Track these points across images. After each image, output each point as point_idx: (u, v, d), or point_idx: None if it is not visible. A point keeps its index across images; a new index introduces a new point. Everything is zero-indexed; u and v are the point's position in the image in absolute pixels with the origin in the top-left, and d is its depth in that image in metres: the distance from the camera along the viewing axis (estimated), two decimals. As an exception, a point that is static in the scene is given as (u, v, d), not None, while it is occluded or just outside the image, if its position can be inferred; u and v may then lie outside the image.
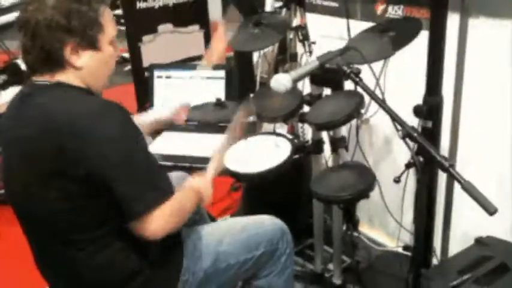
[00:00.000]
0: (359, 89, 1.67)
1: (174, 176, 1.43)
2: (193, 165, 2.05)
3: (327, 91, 2.00)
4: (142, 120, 1.82)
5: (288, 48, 2.37)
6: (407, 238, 2.42)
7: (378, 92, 1.65)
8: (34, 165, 1.35)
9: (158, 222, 1.36)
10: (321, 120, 1.79)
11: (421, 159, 1.26)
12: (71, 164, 1.30)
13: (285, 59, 2.55)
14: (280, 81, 1.38)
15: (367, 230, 2.60)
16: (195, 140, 2.22)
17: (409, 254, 2.38)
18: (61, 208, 1.35)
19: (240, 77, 2.25)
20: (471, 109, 2.05)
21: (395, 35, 1.63)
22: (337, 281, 2.24)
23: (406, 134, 1.26)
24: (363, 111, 1.74)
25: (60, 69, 1.37)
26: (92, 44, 1.38)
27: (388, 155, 2.42)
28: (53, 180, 1.33)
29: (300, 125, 2.42)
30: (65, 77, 1.38)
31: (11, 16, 4.88)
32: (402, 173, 1.27)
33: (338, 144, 1.96)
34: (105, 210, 1.37)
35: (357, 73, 1.37)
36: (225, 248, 1.62)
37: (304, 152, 2.03)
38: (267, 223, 1.72)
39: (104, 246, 1.42)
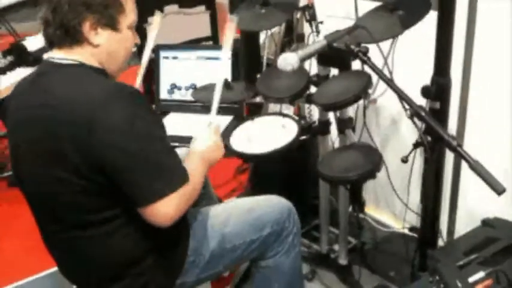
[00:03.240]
0: (366, 69, 1.67)
1: (179, 153, 1.42)
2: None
3: (334, 71, 1.99)
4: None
5: (295, 29, 2.35)
6: (414, 219, 2.42)
7: (385, 72, 1.63)
8: (43, 148, 1.34)
9: (169, 209, 1.34)
10: (328, 100, 1.78)
11: (429, 138, 1.25)
12: (82, 149, 1.29)
13: (291, 39, 2.53)
14: (288, 61, 1.36)
15: (373, 211, 2.59)
16: (201, 121, 2.21)
17: (415, 235, 2.39)
18: (69, 191, 1.35)
19: (247, 58, 2.24)
20: (479, 90, 2.03)
21: (404, 14, 1.61)
22: (343, 261, 2.24)
23: (414, 113, 1.25)
24: (370, 91, 1.73)
25: (78, 45, 1.36)
26: (111, 23, 1.38)
27: (395, 135, 2.41)
28: (62, 163, 1.32)
29: (306, 105, 2.41)
30: (82, 53, 1.37)
31: (17, -2, 4.86)
32: (410, 153, 1.26)
33: (345, 125, 1.95)
34: (114, 195, 1.36)
35: (365, 52, 1.35)
36: (231, 229, 1.62)
37: (311, 133, 2.03)
38: (273, 203, 1.72)
39: (112, 228, 1.42)
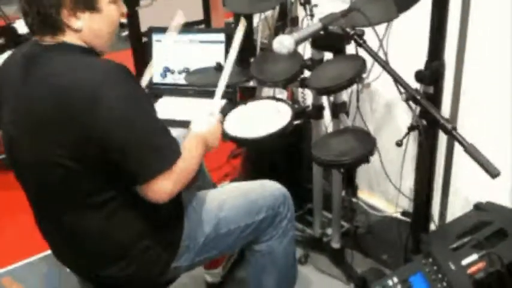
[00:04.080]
0: (361, 53, 1.66)
1: (175, 134, 1.41)
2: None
3: (328, 55, 1.98)
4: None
5: (289, 12, 2.33)
6: (406, 204, 2.44)
7: (381, 55, 1.62)
8: (40, 132, 1.33)
9: (166, 185, 1.36)
10: (322, 84, 1.77)
11: (424, 122, 1.25)
12: (81, 131, 1.28)
13: (285, 23, 2.52)
14: (283, 43, 1.35)
15: (366, 195, 2.60)
16: (194, 105, 2.20)
17: (407, 219, 2.40)
18: (66, 174, 1.35)
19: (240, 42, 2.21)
20: (473, 75, 2.03)
21: (399, -3, 1.60)
22: (335, 245, 2.26)
23: (410, 96, 1.24)
24: (364, 75, 1.72)
25: (60, 32, 1.34)
26: (89, 5, 1.35)
27: (389, 120, 2.41)
28: (60, 147, 1.32)
29: (300, 90, 2.40)
30: (67, 38, 1.35)
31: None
32: (404, 136, 1.26)
33: (339, 109, 1.95)
34: (110, 175, 1.36)
35: (361, 35, 1.35)
36: (226, 214, 1.63)
37: (305, 117, 2.02)
38: (268, 188, 1.72)
39: (107, 211, 1.42)
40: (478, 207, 1.92)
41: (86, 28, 1.36)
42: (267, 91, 2.48)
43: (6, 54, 2.72)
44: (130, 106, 1.31)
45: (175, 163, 1.36)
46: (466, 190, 2.20)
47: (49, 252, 2.35)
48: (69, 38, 1.36)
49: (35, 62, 1.36)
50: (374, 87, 2.25)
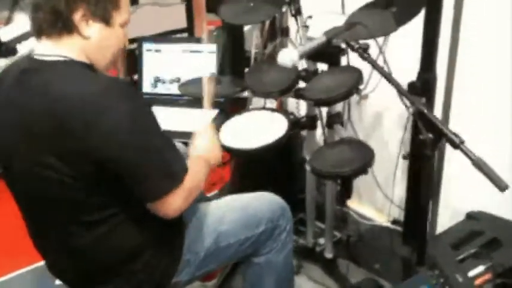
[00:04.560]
0: (356, 65, 1.68)
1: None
2: (185, 140, 2.02)
3: (321, 66, 1.98)
4: None
5: (279, 23, 2.33)
6: (396, 213, 2.46)
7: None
8: (37, 151, 1.29)
9: (177, 201, 1.35)
10: (319, 96, 1.78)
11: (430, 135, 1.26)
12: (83, 149, 1.24)
13: (274, 33, 2.52)
14: (288, 56, 1.35)
15: (355, 205, 2.61)
16: (185, 115, 2.18)
17: (397, 228, 2.42)
18: (67, 192, 1.31)
19: (231, 52, 2.21)
20: (464, 86, 2.06)
21: (398, 11, 1.62)
22: (328, 255, 2.26)
23: (417, 110, 1.25)
24: (362, 87, 1.73)
25: (68, 34, 1.30)
26: (104, 16, 1.33)
27: (378, 130, 2.43)
28: (60, 166, 1.28)
29: (295, 100, 2.40)
30: (71, 44, 1.31)
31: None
32: (410, 150, 1.26)
33: (334, 119, 1.96)
34: (114, 193, 1.34)
35: (365, 49, 1.35)
36: (226, 227, 1.61)
37: (299, 127, 2.02)
38: (267, 201, 1.71)
39: (108, 227, 1.39)
40: (470, 216, 1.95)
41: (94, 39, 1.33)
42: (257, 101, 2.48)
43: (-9, 62, 2.66)
44: (136, 123, 1.27)
45: (184, 179, 1.35)
46: (456, 199, 2.23)
47: (39, 264, 2.32)
48: (74, 45, 1.32)
49: (30, 72, 1.32)
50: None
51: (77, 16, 1.29)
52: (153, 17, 3.47)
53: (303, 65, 1.97)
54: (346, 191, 1.80)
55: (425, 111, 1.25)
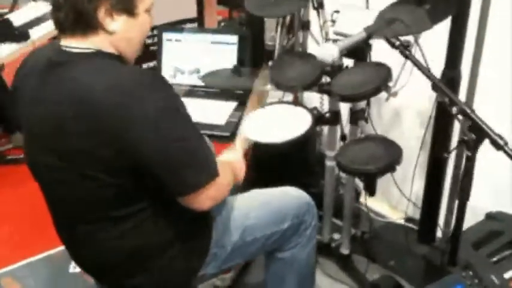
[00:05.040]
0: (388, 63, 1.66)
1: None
2: (207, 132, 1.99)
3: (347, 62, 1.97)
4: None
5: (300, 16, 2.31)
6: (409, 210, 2.45)
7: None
8: (65, 145, 1.26)
9: (210, 195, 1.32)
10: (347, 92, 1.76)
11: (473, 136, 1.25)
12: (114, 144, 1.21)
13: (292, 27, 2.49)
14: (329, 52, 1.33)
15: (368, 201, 2.60)
16: (206, 107, 2.15)
17: (412, 226, 2.42)
18: (95, 187, 1.29)
19: (252, 44, 2.18)
20: (487, 84, 2.05)
21: (431, 8, 1.60)
22: (345, 251, 2.25)
23: (460, 110, 1.24)
24: (391, 84, 1.72)
25: (93, 32, 1.26)
26: (128, 8, 1.28)
27: (397, 128, 2.42)
28: (89, 160, 1.25)
29: (316, 95, 2.38)
30: (98, 40, 1.27)
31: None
32: (453, 149, 1.25)
33: (358, 116, 1.94)
34: (143, 188, 1.31)
35: (407, 46, 1.33)
36: (252, 222, 1.60)
37: (322, 122, 2.01)
38: (293, 196, 1.70)
39: (137, 222, 1.36)
40: (489, 216, 1.94)
41: (120, 32, 1.28)
42: (273, 94, 2.46)
43: (1, 47, 2.61)
44: (168, 116, 1.24)
45: (217, 172, 1.32)
46: (474, 199, 2.22)
47: (51, 252, 2.30)
48: (100, 40, 1.28)
49: (59, 65, 1.28)
50: (382, 94, 2.26)
51: (101, 13, 1.24)
52: (163, 7, 3.43)
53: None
54: (369, 189, 1.78)
55: (469, 111, 1.24)
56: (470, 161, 1.25)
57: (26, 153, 1.43)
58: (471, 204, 2.25)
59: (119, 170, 1.25)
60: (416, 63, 1.31)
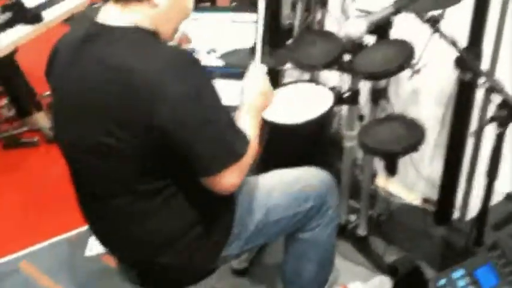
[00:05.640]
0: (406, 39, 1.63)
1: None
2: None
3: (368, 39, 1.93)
4: None
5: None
6: (425, 190, 2.43)
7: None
8: (98, 116, 1.26)
9: (234, 177, 1.31)
10: (370, 70, 1.73)
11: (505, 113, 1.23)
12: (141, 120, 1.21)
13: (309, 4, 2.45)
14: (356, 28, 1.30)
15: (383, 182, 2.59)
16: (223, 87, 2.12)
17: (427, 207, 2.40)
18: (120, 159, 1.28)
19: (269, 23, 2.14)
20: (509, 61, 2.02)
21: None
22: (362, 232, 2.24)
23: (491, 87, 1.21)
24: (414, 61, 1.69)
25: (136, 1, 1.26)
26: None
27: (415, 106, 2.39)
28: (118, 134, 1.24)
29: (337, 74, 2.34)
30: (139, 11, 1.27)
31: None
32: (483, 127, 1.23)
33: (379, 95, 1.91)
34: (168, 165, 1.30)
35: (436, 20, 1.30)
36: (275, 201, 1.58)
37: (342, 102, 1.98)
38: (315, 176, 1.68)
39: (160, 199, 1.36)
40: (510, 197, 1.93)
41: (162, 7, 1.28)
42: (290, 73, 2.43)
43: (15, 29, 2.59)
44: (199, 97, 1.24)
45: (244, 155, 1.31)
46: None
47: (67, 235, 2.30)
48: (142, 13, 1.27)
49: (95, 39, 1.28)
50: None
51: None
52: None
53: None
54: (390, 169, 1.76)
55: (502, 88, 1.21)
56: (501, 137, 1.22)
57: (54, 128, 1.45)
58: (481, 184, 2.23)
59: (147, 145, 1.24)
60: (447, 39, 1.28)
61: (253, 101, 1.48)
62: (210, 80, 1.29)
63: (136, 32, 1.27)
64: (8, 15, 2.54)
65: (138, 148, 1.25)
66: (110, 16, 1.27)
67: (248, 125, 1.41)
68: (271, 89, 1.57)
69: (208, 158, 1.27)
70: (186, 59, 1.27)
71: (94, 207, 1.45)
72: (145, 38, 1.28)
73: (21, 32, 2.58)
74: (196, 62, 1.28)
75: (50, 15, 2.74)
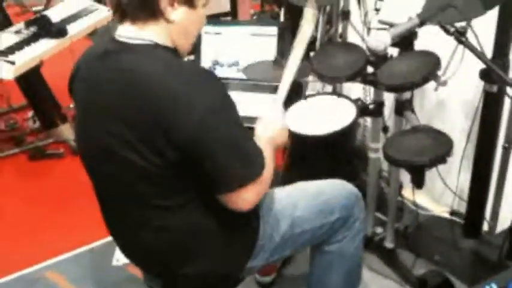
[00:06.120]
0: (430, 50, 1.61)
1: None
2: (247, 125, 1.97)
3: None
4: None
5: (340, 6, 2.26)
6: (452, 202, 2.39)
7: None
8: (119, 131, 1.27)
9: (250, 196, 1.32)
10: (394, 82, 1.72)
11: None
12: (162, 133, 1.22)
13: (330, 16, 2.45)
14: (381, 40, 1.29)
15: (410, 194, 2.55)
16: (245, 100, 2.13)
17: (456, 219, 2.36)
18: (146, 174, 1.29)
19: (292, 35, 2.15)
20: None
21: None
22: (389, 245, 2.21)
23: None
24: (440, 72, 1.67)
25: (153, 20, 1.28)
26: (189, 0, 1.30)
27: (441, 118, 2.36)
28: (138, 147, 1.25)
29: (360, 86, 2.33)
30: (157, 29, 1.29)
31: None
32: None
33: (404, 106, 1.89)
34: (190, 179, 1.30)
35: (462, 32, 1.29)
36: (301, 213, 1.57)
37: (366, 114, 1.97)
38: (341, 188, 1.66)
39: (185, 210, 1.36)
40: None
41: (178, 22, 1.30)
42: (313, 86, 2.42)
43: (40, 43, 2.64)
44: (218, 114, 1.24)
45: (262, 173, 1.31)
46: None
47: (94, 245, 2.32)
48: (159, 30, 1.29)
49: (116, 53, 1.30)
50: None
51: (163, 1, 1.26)
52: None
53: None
54: (417, 181, 1.74)
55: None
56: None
57: (77, 139, 1.46)
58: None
59: (168, 161, 1.25)
60: (474, 51, 1.26)
61: (269, 134, 1.50)
62: (227, 96, 1.29)
63: (155, 48, 1.29)
64: (32, 29, 2.60)
65: (160, 164, 1.26)
66: (129, 33, 1.29)
67: (263, 148, 1.40)
68: (286, 127, 1.58)
69: (223, 176, 1.28)
70: (207, 74, 1.29)
71: (116, 218, 1.47)
72: (164, 55, 1.29)
73: (46, 46, 2.64)
74: (216, 77, 1.31)
75: (74, 29, 2.80)
